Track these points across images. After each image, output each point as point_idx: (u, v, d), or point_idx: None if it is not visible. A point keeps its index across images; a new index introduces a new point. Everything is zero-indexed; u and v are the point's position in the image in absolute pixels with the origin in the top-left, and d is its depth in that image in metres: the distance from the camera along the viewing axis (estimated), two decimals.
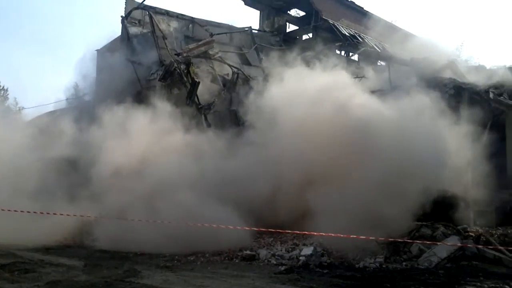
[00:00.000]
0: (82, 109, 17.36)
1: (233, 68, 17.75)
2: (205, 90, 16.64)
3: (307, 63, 14.00)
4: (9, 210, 10.66)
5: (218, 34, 19.20)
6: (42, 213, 10.66)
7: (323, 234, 9.29)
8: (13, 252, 11.03)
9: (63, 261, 10.21)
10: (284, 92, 12.57)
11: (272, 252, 10.59)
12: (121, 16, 20.24)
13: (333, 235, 9.12)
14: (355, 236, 9.09)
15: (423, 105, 11.07)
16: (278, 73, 13.24)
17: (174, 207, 11.15)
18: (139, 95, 16.90)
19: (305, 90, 12.32)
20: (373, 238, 9.52)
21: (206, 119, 16.19)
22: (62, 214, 10.83)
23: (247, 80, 16.69)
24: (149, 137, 13.98)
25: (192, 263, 10.17)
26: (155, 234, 10.73)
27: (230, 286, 7.95)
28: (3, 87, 37.36)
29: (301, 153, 11.33)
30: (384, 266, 9.67)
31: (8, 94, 37.12)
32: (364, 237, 9.24)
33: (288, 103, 12.21)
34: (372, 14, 23.33)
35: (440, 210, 11.14)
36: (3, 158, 14.15)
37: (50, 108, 23.93)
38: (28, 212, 10.75)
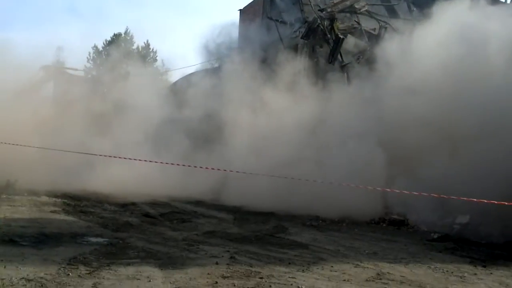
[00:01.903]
0: (225, 70, 17.85)
1: (380, 22, 16.77)
2: (350, 46, 15.98)
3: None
4: (161, 163, 11.43)
5: None
6: (195, 166, 11.21)
7: (484, 201, 8.39)
8: (169, 203, 12.00)
9: (213, 214, 10.82)
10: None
11: (422, 218, 10.01)
12: None
13: (496, 202, 8.18)
14: None
15: None
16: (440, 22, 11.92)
17: (319, 167, 11.06)
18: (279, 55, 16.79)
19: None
20: None
21: (348, 77, 15.62)
22: (213, 169, 11.22)
23: (396, 34, 15.63)
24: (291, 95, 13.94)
25: (338, 224, 10.10)
26: (301, 193, 10.71)
27: (382, 250, 7.71)
28: (153, 49, 39.91)
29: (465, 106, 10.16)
30: None
31: (156, 56, 39.66)
32: None
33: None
34: None
35: None
36: (151, 115, 15.38)
37: (194, 69, 25.13)
38: (178, 165, 11.36)
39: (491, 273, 6.65)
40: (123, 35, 38.54)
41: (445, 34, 11.30)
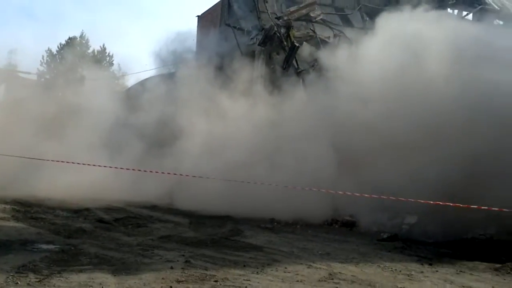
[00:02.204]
0: (181, 75, 17.82)
1: (335, 30, 17.20)
2: (306, 54, 16.30)
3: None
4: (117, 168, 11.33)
5: None
6: (151, 171, 11.14)
7: (431, 202, 8.76)
8: (124, 208, 11.85)
9: (169, 218, 10.78)
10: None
11: (373, 219, 10.33)
12: None
13: (441, 203, 8.56)
14: (462, 205, 8.46)
15: None
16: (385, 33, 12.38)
17: (273, 170, 11.20)
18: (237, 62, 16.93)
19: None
20: (485, 207, 8.81)
21: (303, 83, 15.91)
22: (169, 173, 11.19)
23: (349, 42, 16.07)
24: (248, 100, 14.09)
25: (292, 226, 10.28)
26: (256, 196, 10.81)
27: (334, 250, 7.93)
28: (109, 53, 39.57)
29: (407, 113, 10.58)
30: (495, 238, 9.04)
31: (113, 60, 39.32)
32: (475, 206, 8.57)
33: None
34: None
35: None
36: (106, 120, 15.22)
37: (151, 74, 24.86)
38: (134, 170, 11.30)
39: (436, 271, 6.93)
40: (78, 38, 37.99)
41: (388, 43, 11.72)
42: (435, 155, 9.57)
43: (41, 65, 35.80)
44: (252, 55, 17.56)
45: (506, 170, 9.06)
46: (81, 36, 38.36)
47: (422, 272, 6.83)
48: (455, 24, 12.65)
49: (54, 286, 5.45)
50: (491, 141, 9.27)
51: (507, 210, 8.06)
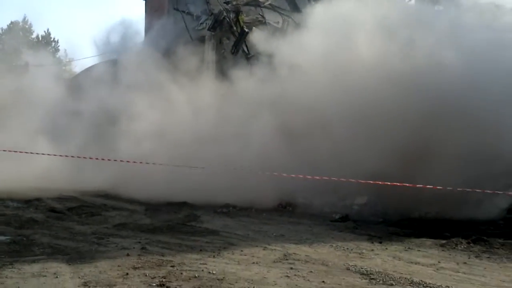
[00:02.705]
0: (129, 61, 17.44)
1: (283, 15, 17.31)
2: (256, 39, 16.34)
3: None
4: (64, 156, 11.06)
5: None
6: (103, 159, 10.94)
7: (379, 182, 9.08)
8: (76, 197, 11.61)
9: (125, 206, 10.68)
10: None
11: (325, 201, 10.61)
12: None
13: (389, 183, 8.89)
14: (409, 184, 8.83)
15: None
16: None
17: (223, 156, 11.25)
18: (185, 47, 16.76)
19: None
20: (430, 187, 9.25)
21: (252, 67, 15.96)
22: (122, 161, 10.98)
23: (297, 27, 16.24)
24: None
25: (247, 210, 10.40)
26: (212, 182, 10.83)
27: (288, 232, 8.12)
28: (54, 38, 38.45)
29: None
30: (441, 216, 9.52)
31: (59, 46, 38.32)
32: (420, 185, 8.96)
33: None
34: None
35: None
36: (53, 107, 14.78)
37: (98, 59, 24.24)
38: (85, 158, 11.05)
39: (386, 248, 7.21)
40: (20, 23, 36.62)
41: (322, 26, 11.88)
42: (371, 139, 9.85)
43: None
44: (201, 40, 17.45)
45: (438, 153, 9.52)
46: (24, 21, 37.01)
47: (372, 250, 7.10)
48: (387, 6, 12.83)
49: (6, 277, 5.34)
50: (423, 125, 9.64)
51: (450, 188, 8.56)
